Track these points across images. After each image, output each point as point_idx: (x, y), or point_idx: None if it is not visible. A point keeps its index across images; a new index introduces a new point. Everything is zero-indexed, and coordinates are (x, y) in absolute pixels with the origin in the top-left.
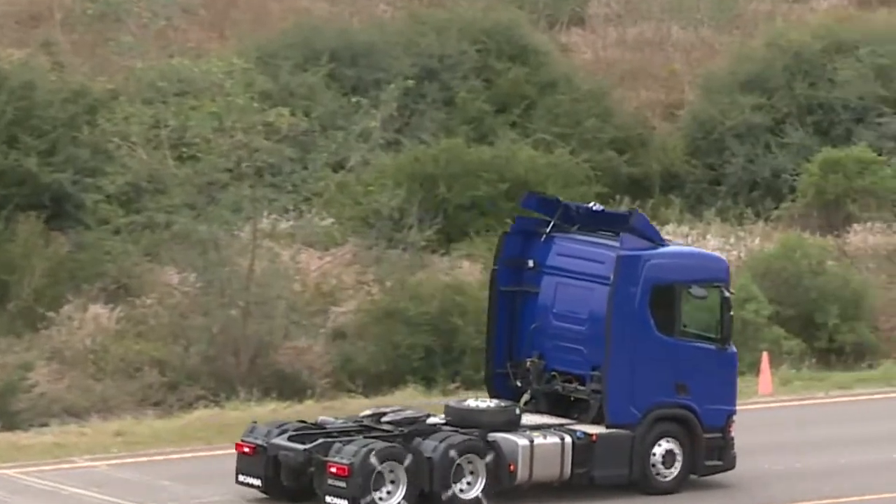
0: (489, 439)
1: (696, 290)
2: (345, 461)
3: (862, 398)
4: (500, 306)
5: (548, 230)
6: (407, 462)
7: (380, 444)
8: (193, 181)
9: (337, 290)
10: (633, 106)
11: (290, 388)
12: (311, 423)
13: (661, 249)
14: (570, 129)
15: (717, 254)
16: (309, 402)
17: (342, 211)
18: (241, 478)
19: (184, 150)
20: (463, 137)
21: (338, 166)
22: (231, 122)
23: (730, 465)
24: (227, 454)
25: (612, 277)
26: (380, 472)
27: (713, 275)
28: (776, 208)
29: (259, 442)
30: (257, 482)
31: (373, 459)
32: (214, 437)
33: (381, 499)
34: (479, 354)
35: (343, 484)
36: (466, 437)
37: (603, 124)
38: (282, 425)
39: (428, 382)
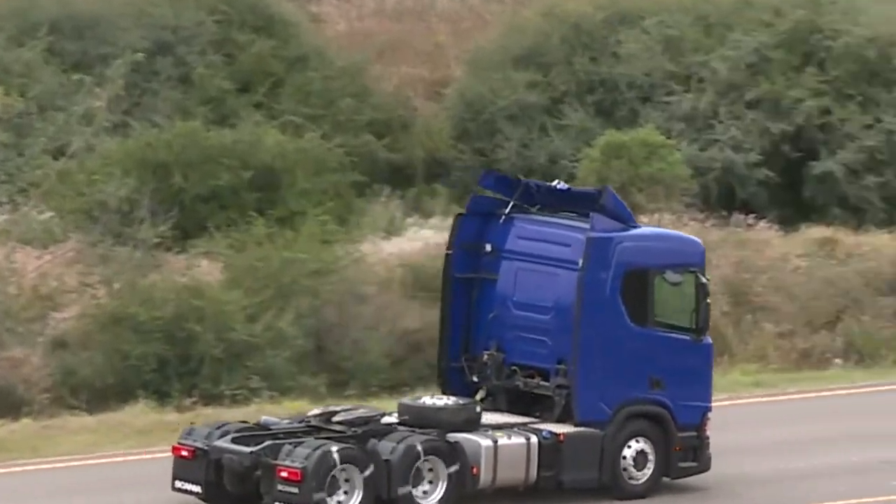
0: (450, 440)
1: (671, 276)
2: (296, 465)
3: None
4: (454, 294)
5: (507, 211)
6: (363, 466)
7: (334, 446)
8: None
9: (57, 294)
10: (394, 84)
11: (2, 403)
12: (254, 424)
13: (633, 231)
14: (322, 110)
15: (692, 237)
16: (26, 421)
17: (63, 203)
18: (178, 484)
19: None
20: (201, 120)
21: (58, 153)
22: None
23: (705, 466)
24: None
25: (580, 262)
26: (334, 477)
27: (688, 259)
28: None
29: (199, 445)
30: (197, 488)
31: (327, 463)
32: None
33: None
34: (219, 365)
35: (294, 490)
36: (427, 437)
37: (359, 105)
38: (221, 426)
39: (161, 397)
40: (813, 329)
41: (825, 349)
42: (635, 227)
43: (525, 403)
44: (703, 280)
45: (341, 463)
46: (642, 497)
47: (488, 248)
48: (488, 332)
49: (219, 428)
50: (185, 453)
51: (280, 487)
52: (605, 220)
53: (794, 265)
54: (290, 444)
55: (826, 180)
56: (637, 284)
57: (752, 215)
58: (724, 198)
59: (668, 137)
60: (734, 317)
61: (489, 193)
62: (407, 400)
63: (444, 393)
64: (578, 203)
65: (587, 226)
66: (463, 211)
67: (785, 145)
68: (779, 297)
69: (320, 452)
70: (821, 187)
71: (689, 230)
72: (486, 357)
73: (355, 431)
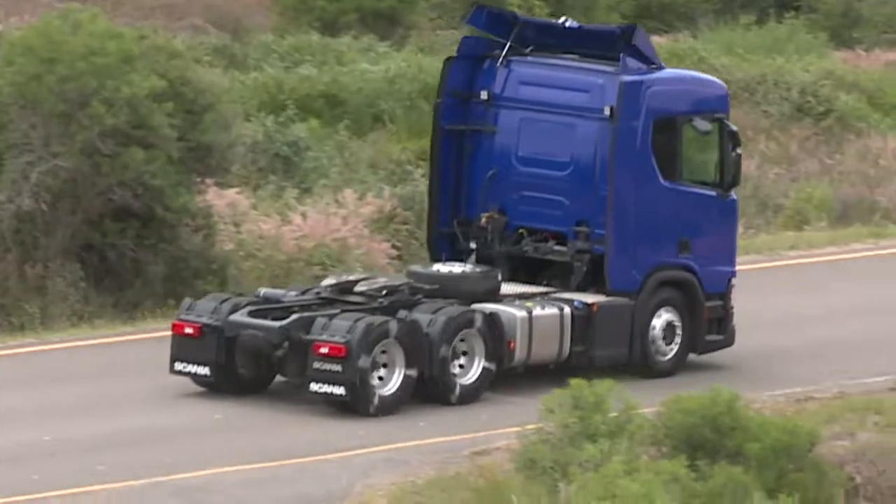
0: (485, 311)
1: (700, 124)
2: (338, 339)
3: None
4: (443, 150)
5: (504, 53)
6: (405, 340)
7: (375, 318)
8: None
9: None
10: None
11: None
12: (258, 297)
13: (660, 73)
14: None
15: (713, 78)
16: None
17: None
18: (179, 366)
19: None
20: None
21: None
22: None
23: (730, 340)
24: None
25: (607, 109)
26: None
27: (714, 104)
28: None
29: (207, 321)
30: (203, 370)
31: (372, 336)
32: None
33: (373, 384)
34: None
35: (337, 366)
36: (464, 309)
37: None
38: (225, 300)
39: None
40: None
41: None
42: (661, 68)
43: (529, 271)
44: (732, 127)
45: (381, 339)
46: (670, 375)
47: (484, 95)
48: (486, 193)
49: (223, 302)
50: (189, 330)
51: (318, 365)
52: (634, 61)
53: None
54: (322, 316)
55: None
56: (666, 134)
57: None
58: None
59: None
60: None
61: (480, 34)
62: (418, 267)
63: (432, 260)
64: (592, 43)
65: (606, 68)
66: (453, 55)
67: None
68: None
69: (364, 325)
70: None
71: None
72: (484, 220)
73: (381, 303)
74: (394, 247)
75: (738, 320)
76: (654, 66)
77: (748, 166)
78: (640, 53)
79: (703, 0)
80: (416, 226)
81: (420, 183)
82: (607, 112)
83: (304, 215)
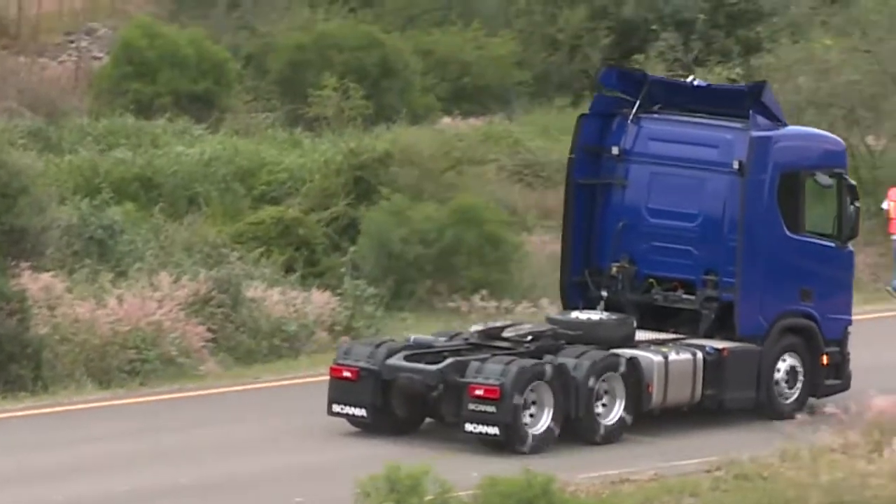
0: (627, 356)
1: (822, 178)
2: (492, 381)
3: None
4: (576, 202)
5: (634, 111)
6: (553, 383)
7: (525, 362)
8: None
9: None
10: None
11: None
12: (409, 343)
13: (786, 130)
14: None
15: (834, 135)
16: None
17: None
18: (336, 408)
19: None
20: None
21: None
22: None
23: (847, 385)
24: None
25: (735, 164)
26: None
27: (834, 160)
28: None
29: (365, 365)
30: (360, 412)
31: (525, 378)
32: None
33: (525, 424)
34: None
35: (492, 408)
36: (606, 353)
37: None
38: (380, 345)
39: None
40: None
41: None
42: (785, 125)
43: (657, 318)
44: (851, 182)
45: (533, 381)
46: (792, 417)
47: (615, 150)
48: (617, 243)
49: (378, 346)
50: (347, 374)
51: (473, 406)
52: (762, 118)
53: None
54: (476, 360)
55: None
56: (791, 188)
57: None
58: None
59: None
60: None
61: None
62: (557, 314)
63: (564, 308)
64: (719, 100)
65: (734, 125)
66: (585, 112)
67: None
68: None
69: (517, 367)
70: None
71: None
72: (615, 269)
73: (528, 347)
74: (209, 330)
75: None
76: (780, 122)
77: None
78: (768, 110)
79: (517, 83)
80: (231, 308)
81: (235, 265)
82: (736, 166)
83: (119, 298)
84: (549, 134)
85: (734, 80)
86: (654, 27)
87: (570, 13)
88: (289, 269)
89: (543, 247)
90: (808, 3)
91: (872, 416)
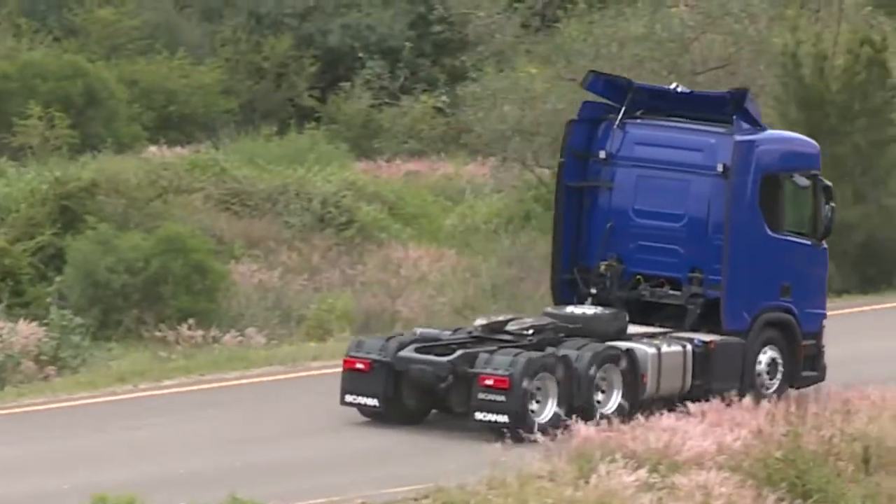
0: (623, 348)
1: (799, 180)
2: (501, 372)
3: None
4: (566, 204)
5: (619, 117)
6: (558, 373)
7: (532, 354)
8: None
9: None
10: None
11: None
12: (416, 336)
13: (765, 134)
14: None
15: (807, 138)
16: None
17: None
18: (349, 398)
19: None
20: None
21: None
22: None
23: (822, 376)
24: None
25: (720, 167)
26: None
27: (810, 162)
28: None
29: (377, 357)
30: (373, 402)
31: (532, 369)
32: None
33: (532, 411)
34: None
35: (501, 397)
36: (606, 345)
37: None
38: (390, 338)
39: None
40: None
41: None
42: (765, 129)
43: (643, 314)
44: (827, 183)
45: (539, 372)
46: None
47: (602, 154)
48: (605, 243)
49: (389, 340)
50: (360, 366)
51: (482, 396)
52: (744, 123)
53: None
54: (485, 352)
55: None
56: (771, 189)
57: None
58: None
59: None
60: None
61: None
62: (552, 309)
63: (556, 304)
64: (702, 106)
65: (717, 129)
66: (574, 118)
67: None
68: None
69: (525, 359)
70: None
71: None
72: (603, 267)
73: (530, 340)
74: None
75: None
76: (759, 127)
77: (271, 277)
78: (749, 116)
79: (224, 111)
80: None
81: None
82: (720, 169)
83: None
84: (256, 163)
85: (439, 109)
86: (360, 55)
87: (276, 41)
88: None
89: (251, 276)
90: (513, 31)
91: (578, 443)
